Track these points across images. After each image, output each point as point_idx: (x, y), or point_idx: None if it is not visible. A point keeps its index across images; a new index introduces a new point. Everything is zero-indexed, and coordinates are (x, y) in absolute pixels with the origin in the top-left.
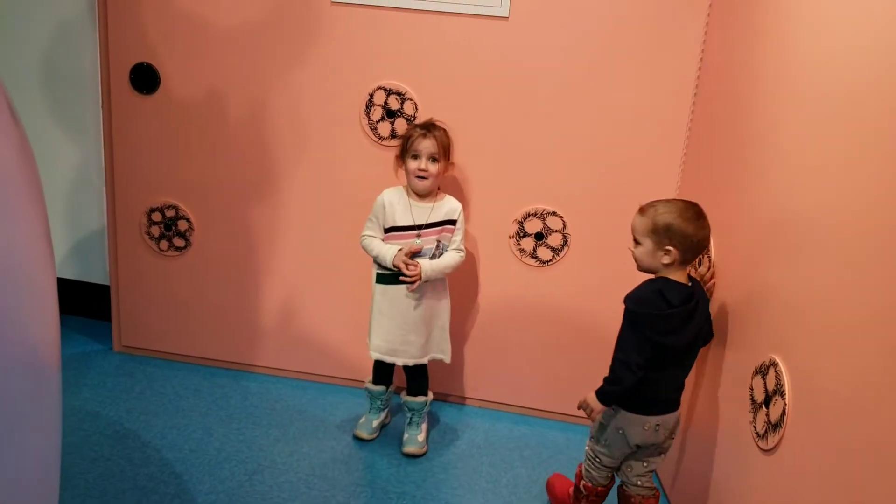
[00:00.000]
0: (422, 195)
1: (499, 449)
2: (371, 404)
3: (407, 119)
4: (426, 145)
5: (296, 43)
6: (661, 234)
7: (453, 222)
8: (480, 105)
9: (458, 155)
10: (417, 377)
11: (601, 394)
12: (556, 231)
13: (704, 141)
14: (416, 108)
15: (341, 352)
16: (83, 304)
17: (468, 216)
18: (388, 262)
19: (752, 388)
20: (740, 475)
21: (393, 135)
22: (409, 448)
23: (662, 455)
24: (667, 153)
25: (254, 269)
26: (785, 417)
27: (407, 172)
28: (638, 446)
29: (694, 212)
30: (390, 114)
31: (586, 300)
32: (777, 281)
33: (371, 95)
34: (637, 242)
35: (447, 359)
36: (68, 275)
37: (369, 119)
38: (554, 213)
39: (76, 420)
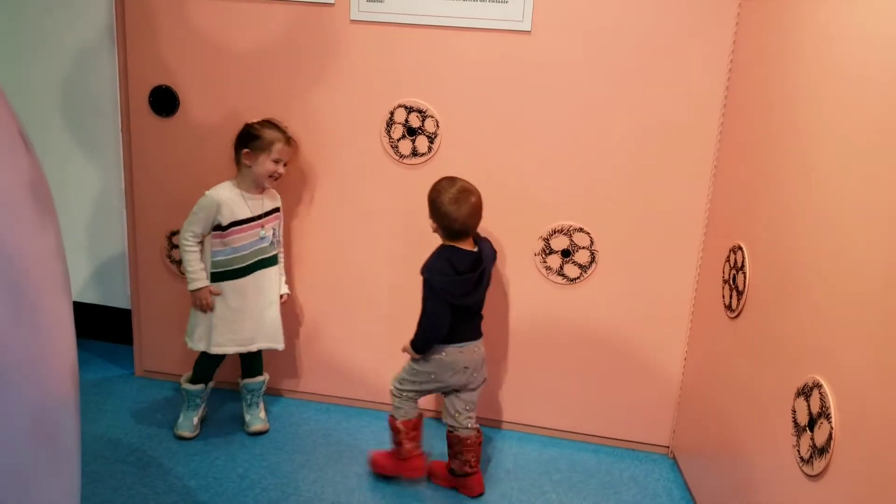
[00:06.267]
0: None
1: (528, 473)
2: (190, 403)
3: (428, 137)
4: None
5: (315, 62)
6: (430, 207)
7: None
8: (503, 121)
9: (480, 172)
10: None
11: (414, 345)
12: (584, 248)
13: (735, 151)
14: (438, 125)
15: (365, 374)
16: (104, 328)
17: (492, 234)
18: None
19: (794, 410)
20: (783, 500)
21: (414, 153)
22: (257, 426)
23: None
24: (696, 165)
25: None
26: (832, 442)
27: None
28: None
29: (456, 193)
30: (411, 132)
31: (615, 318)
32: (818, 296)
33: (392, 113)
34: None
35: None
36: (89, 299)
37: (390, 137)
38: (581, 230)
39: (98, 447)
